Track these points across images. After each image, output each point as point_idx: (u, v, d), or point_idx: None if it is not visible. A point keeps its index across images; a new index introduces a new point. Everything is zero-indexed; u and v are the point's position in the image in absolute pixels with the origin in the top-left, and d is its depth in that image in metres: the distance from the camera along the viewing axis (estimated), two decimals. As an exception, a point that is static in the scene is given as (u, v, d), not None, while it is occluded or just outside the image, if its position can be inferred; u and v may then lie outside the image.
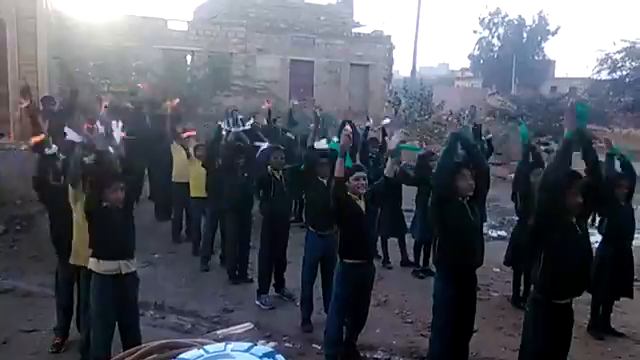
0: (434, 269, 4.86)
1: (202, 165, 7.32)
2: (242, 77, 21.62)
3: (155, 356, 1.75)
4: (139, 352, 1.78)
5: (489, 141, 8.10)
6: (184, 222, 8.61)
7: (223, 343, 1.54)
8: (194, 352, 1.48)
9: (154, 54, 19.17)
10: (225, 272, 7.05)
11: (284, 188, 6.27)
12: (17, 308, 5.89)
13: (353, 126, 7.84)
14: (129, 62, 16.66)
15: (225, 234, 7.34)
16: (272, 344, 1.51)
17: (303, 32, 23.67)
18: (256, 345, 1.54)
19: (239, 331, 1.93)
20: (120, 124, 4.42)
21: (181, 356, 1.45)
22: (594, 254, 5.71)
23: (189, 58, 21.61)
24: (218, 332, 1.91)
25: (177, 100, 9.34)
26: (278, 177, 6.25)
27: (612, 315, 5.83)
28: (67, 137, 4.53)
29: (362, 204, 4.75)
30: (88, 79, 14.86)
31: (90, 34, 15.77)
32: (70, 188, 4.42)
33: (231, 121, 7.26)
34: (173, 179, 8.41)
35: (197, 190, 7.63)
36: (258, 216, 6.72)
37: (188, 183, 7.93)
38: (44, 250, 4.88)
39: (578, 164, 4.02)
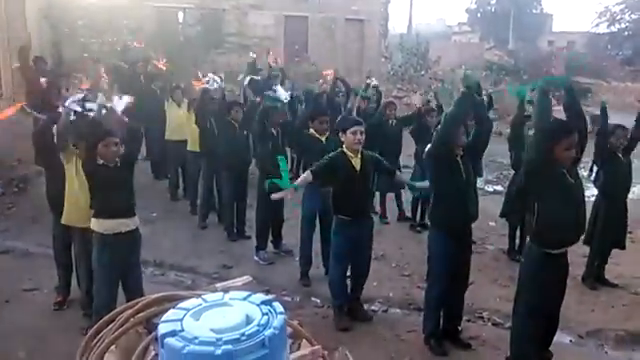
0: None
1: (195, 123, 7.25)
2: (235, 34, 21.21)
3: (154, 308, 1.76)
4: (138, 305, 1.78)
5: (490, 96, 7.95)
6: (181, 181, 8.62)
7: (221, 293, 1.54)
8: (192, 301, 1.49)
9: (145, 12, 18.78)
10: (223, 229, 7.09)
11: (280, 144, 6.23)
12: (17, 268, 5.94)
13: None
14: (120, 20, 16.31)
15: (221, 192, 7.35)
16: (271, 297, 1.53)
17: (297, -14, 23.14)
18: (254, 294, 1.55)
19: (238, 284, 1.95)
20: (123, 98, 4.33)
21: (180, 305, 1.46)
22: (590, 206, 5.80)
23: (181, 15, 21.19)
24: (217, 285, 1.93)
25: (163, 61, 9.15)
26: (275, 133, 6.20)
27: (606, 266, 5.90)
28: (67, 104, 4.42)
29: (357, 162, 4.70)
30: (78, 38, 14.56)
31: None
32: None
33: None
34: (167, 137, 8.35)
35: (195, 145, 7.56)
36: (255, 173, 6.71)
37: (183, 140, 7.87)
38: (41, 211, 4.91)
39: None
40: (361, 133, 4.65)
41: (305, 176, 4.68)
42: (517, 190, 5.51)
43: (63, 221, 4.67)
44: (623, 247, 5.82)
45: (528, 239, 3.91)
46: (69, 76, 8.69)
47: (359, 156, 4.71)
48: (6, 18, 10.06)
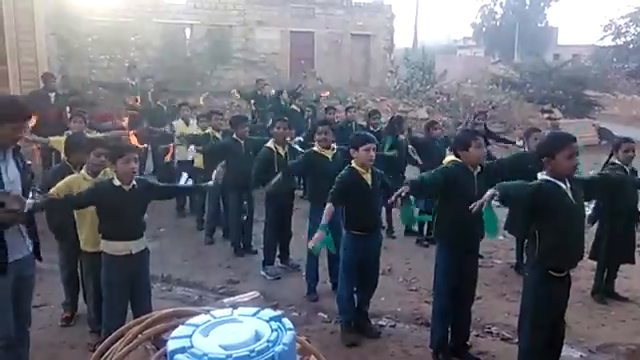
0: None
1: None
2: (242, 50, 21.42)
3: (163, 325, 1.75)
4: (146, 321, 1.78)
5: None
6: (187, 197, 8.63)
7: (230, 309, 1.54)
8: (201, 317, 1.48)
9: (152, 28, 18.99)
10: (230, 244, 7.09)
11: (288, 163, 6.20)
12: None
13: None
14: (127, 37, 16.49)
15: (227, 209, 7.34)
16: (278, 312, 1.52)
17: (302, 2, 23.33)
18: (263, 310, 1.55)
19: (245, 299, 1.95)
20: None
21: (189, 321, 1.46)
22: (596, 221, 5.76)
23: (188, 32, 21.41)
24: (225, 301, 1.92)
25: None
26: (282, 153, 6.20)
27: (616, 280, 5.85)
28: None
29: (369, 177, 4.70)
30: (87, 55, 14.72)
31: (87, 8, 15.58)
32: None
33: None
34: (176, 156, 8.33)
35: (201, 161, 7.55)
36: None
37: (191, 160, 7.86)
38: (48, 227, 4.88)
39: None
40: (374, 150, 4.66)
41: (328, 210, 4.59)
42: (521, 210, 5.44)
43: (84, 247, 4.54)
44: (633, 262, 5.77)
45: (529, 260, 3.87)
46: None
47: (369, 171, 4.71)
48: (16, 36, 10.17)
